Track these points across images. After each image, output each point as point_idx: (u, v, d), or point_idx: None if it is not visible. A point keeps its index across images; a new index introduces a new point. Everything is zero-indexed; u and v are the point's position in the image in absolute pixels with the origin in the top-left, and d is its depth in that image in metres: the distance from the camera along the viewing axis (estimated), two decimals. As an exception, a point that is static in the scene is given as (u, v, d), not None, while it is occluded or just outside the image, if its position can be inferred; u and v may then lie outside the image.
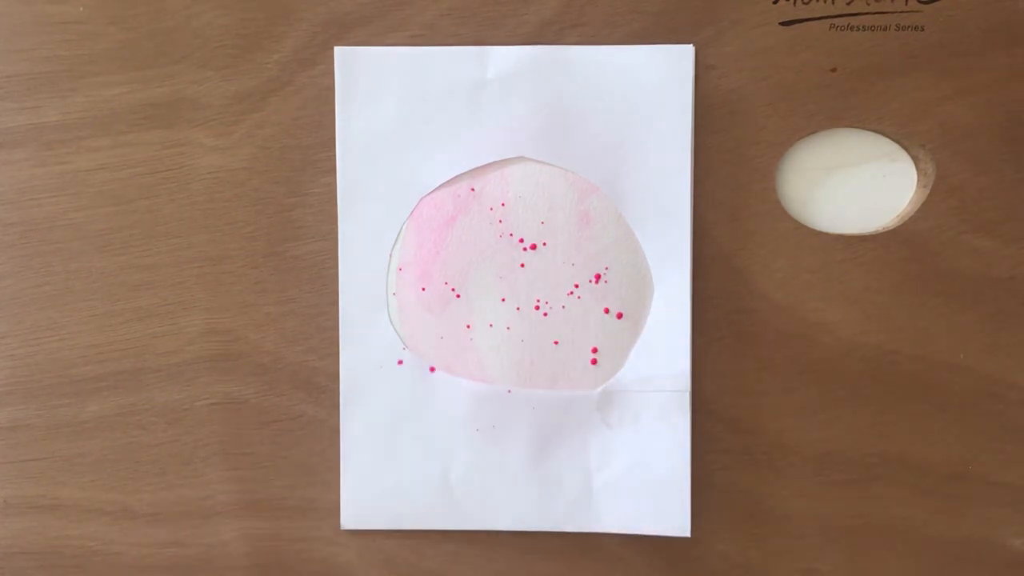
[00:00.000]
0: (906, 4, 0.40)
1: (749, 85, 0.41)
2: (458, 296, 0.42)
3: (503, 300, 0.41)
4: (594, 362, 0.41)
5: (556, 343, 0.41)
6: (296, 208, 0.42)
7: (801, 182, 0.42)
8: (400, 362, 0.42)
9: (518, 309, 0.41)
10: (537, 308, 0.41)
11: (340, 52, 0.41)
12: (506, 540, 0.42)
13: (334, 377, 0.42)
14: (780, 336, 0.41)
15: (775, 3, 0.41)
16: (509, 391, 0.41)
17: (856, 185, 0.42)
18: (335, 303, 0.42)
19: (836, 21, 0.40)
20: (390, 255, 0.42)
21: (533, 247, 0.41)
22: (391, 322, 0.42)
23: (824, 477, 0.42)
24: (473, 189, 0.41)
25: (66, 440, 0.43)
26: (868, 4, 0.40)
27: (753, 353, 0.41)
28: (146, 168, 0.42)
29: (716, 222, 0.41)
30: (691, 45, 0.40)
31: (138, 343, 0.42)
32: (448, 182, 0.41)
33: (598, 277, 0.41)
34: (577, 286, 0.41)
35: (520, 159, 0.41)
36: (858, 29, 0.40)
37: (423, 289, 0.42)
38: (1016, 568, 0.42)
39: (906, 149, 0.42)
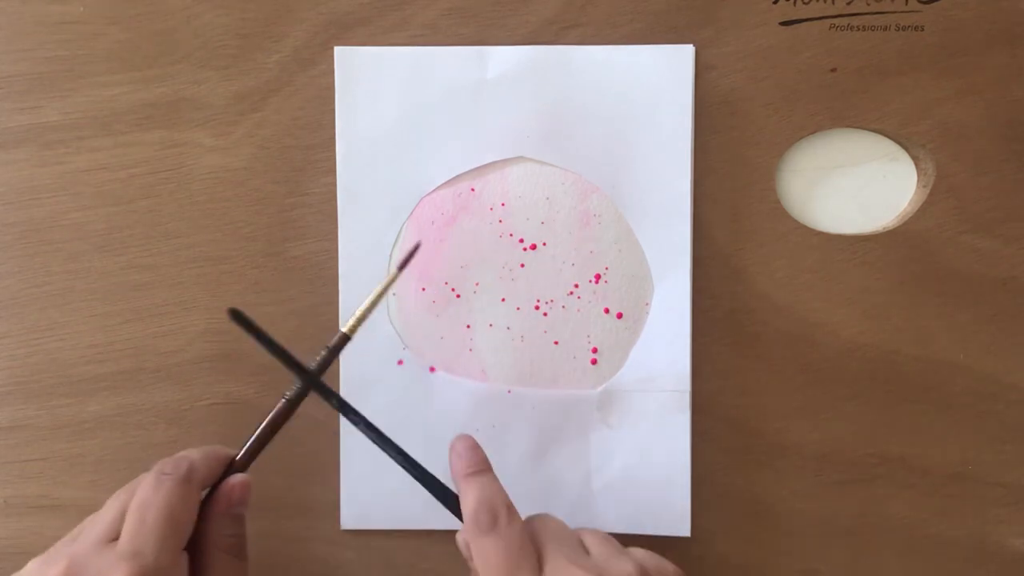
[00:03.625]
0: (906, 4, 0.40)
1: (749, 85, 0.41)
2: (458, 296, 0.42)
3: (503, 300, 0.41)
4: (594, 362, 0.41)
5: (556, 343, 0.41)
6: (296, 208, 0.42)
7: (801, 182, 0.42)
8: (400, 362, 0.42)
9: (518, 309, 0.41)
10: (537, 308, 0.41)
11: (340, 52, 0.41)
12: (506, 540, 0.42)
13: (334, 377, 0.42)
14: (780, 336, 0.41)
15: (775, 3, 0.41)
16: (509, 391, 0.41)
17: (856, 185, 0.42)
18: (335, 303, 0.42)
19: (836, 21, 0.40)
20: (390, 255, 0.42)
21: (533, 247, 0.41)
22: (391, 322, 0.42)
23: (824, 477, 0.42)
24: (473, 189, 0.41)
25: (66, 440, 0.43)
26: (868, 4, 0.40)
27: (753, 353, 0.41)
28: (146, 168, 0.42)
29: (716, 222, 0.41)
30: (691, 45, 0.40)
31: (138, 343, 0.42)
32: (448, 182, 0.41)
33: (598, 277, 0.41)
34: (577, 286, 0.41)
35: (520, 159, 0.41)
36: (858, 29, 0.40)
37: (423, 289, 0.42)
38: (1016, 568, 0.42)
39: (906, 149, 0.42)
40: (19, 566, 0.44)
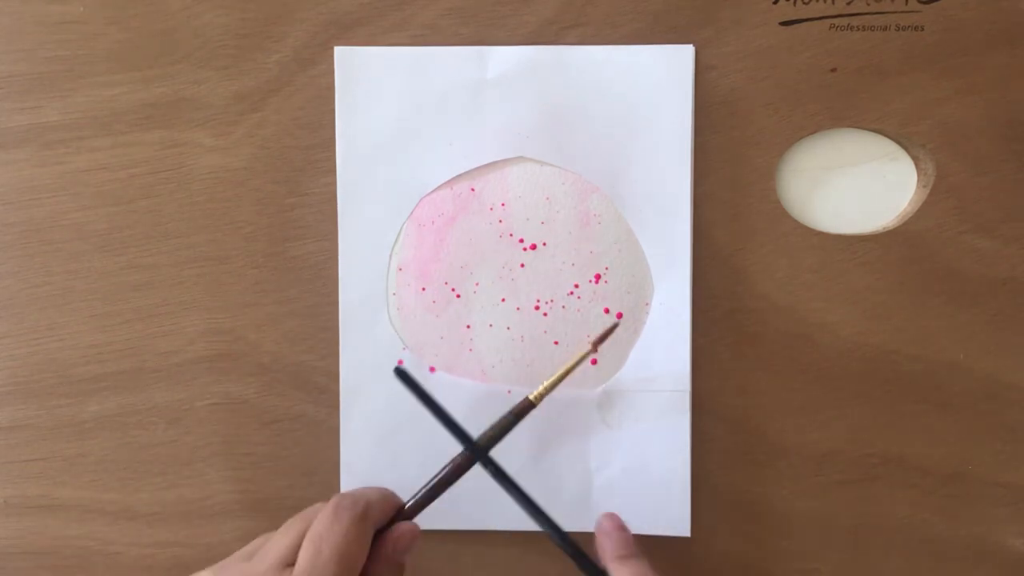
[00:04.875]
0: (906, 4, 0.40)
1: (749, 85, 0.41)
2: (458, 296, 0.42)
3: (503, 300, 0.41)
4: (594, 362, 0.41)
5: (556, 343, 0.41)
6: (296, 208, 0.42)
7: (801, 182, 0.42)
8: (400, 362, 0.42)
9: (518, 309, 0.41)
10: (537, 308, 0.41)
11: (340, 52, 0.41)
12: (506, 540, 0.42)
13: (334, 377, 0.42)
14: (780, 336, 0.41)
15: (775, 3, 0.41)
16: (509, 391, 0.41)
17: (856, 185, 0.42)
18: (335, 303, 0.42)
19: (836, 21, 0.40)
20: (390, 255, 0.42)
21: (533, 247, 0.41)
22: (391, 322, 0.42)
23: (824, 477, 0.42)
24: (473, 189, 0.41)
25: (66, 440, 0.43)
26: (868, 4, 0.40)
27: (753, 353, 0.41)
28: (146, 168, 0.42)
29: (716, 222, 0.41)
30: (691, 45, 0.40)
31: (138, 343, 0.42)
32: (448, 182, 0.41)
33: (598, 277, 0.41)
34: (577, 286, 0.41)
35: (520, 159, 0.41)
36: (858, 29, 0.40)
37: (423, 289, 0.42)
38: (1016, 568, 0.42)
39: (906, 149, 0.42)
40: (19, 566, 0.44)
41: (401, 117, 0.41)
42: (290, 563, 0.32)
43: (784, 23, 0.41)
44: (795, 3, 0.40)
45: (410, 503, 0.36)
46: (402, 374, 0.36)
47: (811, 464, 0.42)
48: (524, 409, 0.36)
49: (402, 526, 0.35)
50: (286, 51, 0.41)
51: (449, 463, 0.36)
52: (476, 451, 0.35)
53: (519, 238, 0.41)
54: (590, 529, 0.41)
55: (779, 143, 0.41)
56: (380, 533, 0.35)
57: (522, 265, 0.41)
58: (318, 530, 0.32)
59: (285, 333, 0.42)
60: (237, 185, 0.42)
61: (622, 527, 0.36)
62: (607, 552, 0.36)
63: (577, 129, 0.41)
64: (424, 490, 0.36)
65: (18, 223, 0.42)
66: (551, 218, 0.41)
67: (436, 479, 0.36)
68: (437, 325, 0.42)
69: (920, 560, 0.42)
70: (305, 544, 0.32)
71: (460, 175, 0.41)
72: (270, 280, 0.42)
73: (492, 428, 0.36)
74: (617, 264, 0.41)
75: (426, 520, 0.42)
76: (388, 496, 0.36)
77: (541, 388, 0.36)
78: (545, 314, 0.41)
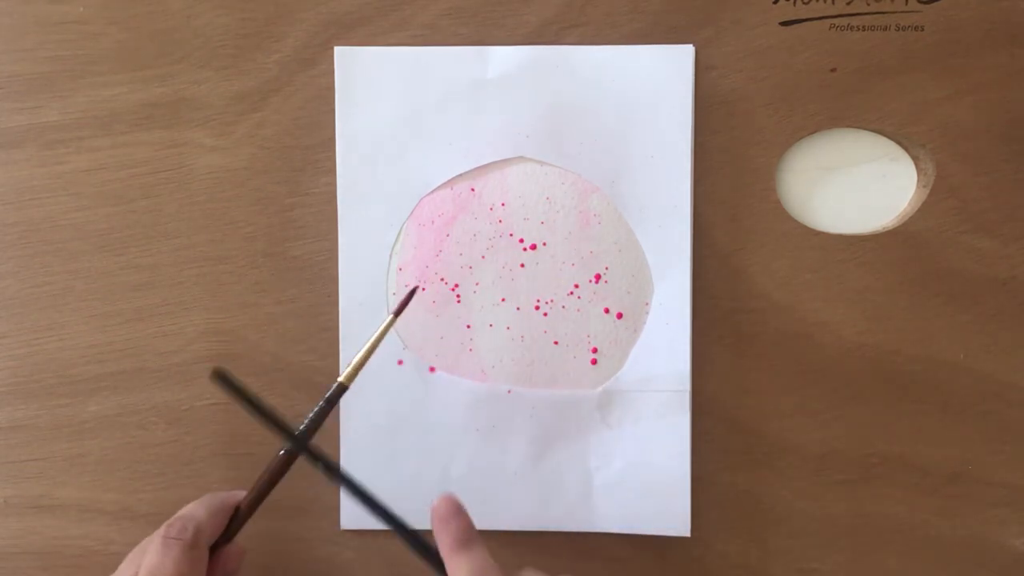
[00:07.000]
0: (906, 4, 0.40)
1: (749, 85, 0.41)
2: (458, 296, 0.42)
3: (503, 300, 0.41)
4: (594, 362, 0.41)
5: (556, 343, 0.41)
6: (296, 208, 0.42)
7: (801, 182, 0.42)
8: (400, 362, 0.42)
9: (518, 309, 0.41)
10: (537, 308, 0.41)
11: (340, 52, 0.41)
12: (506, 540, 0.42)
13: (334, 377, 0.42)
14: (780, 336, 0.41)
15: (775, 3, 0.41)
16: (509, 391, 0.41)
17: (856, 185, 0.42)
18: (335, 303, 0.42)
19: (836, 21, 0.40)
20: (390, 255, 0.42)
21: (533, 247, 0.41)
22: (391, 322, 0.42)
23: (824, 477, 0.42)
24: (473, 189, 0.41)
25: (66, 440, 0.43)
26: (868, 4, 0.40)
27: (753, 353, 0.41)
28: (146, 168, 0.42)
29: (716, 222, 0.41)
30: (691, 45, 0.40)
31: (138, 343, 0.42)
32: (448, 182, 0.41)
33: (598, 277, 0.41)
34: (577, 286, 0.41)
35: (520, 159, 0.41)
36: (858, 29, 0.40)
37: (423, 289, 0.42)
38: (1016, 568, 0.42)
39: (906, 149, 0.42)
40: (19, 566, 0.44)
41: (401, 117, 0.41)
42: None
43: (784, 23, 0.41)
44: (795, 3, 0.40)
45: (242, 508, 0.37)
46: (221, 377, 0.34)
47: (811, 464, 0.42)
48: (337, 394, 0.36)
49: (228, 551, 0.36)
50: (286, 51, 0.41)
51: (272, 461, 0.36)
52: (296, 442, 0.35)
53: (519, 238, 0.41)
54: (590, 529, 0.42)
55: (779, 143, 0.41)
56: (216, 546, 0.36)
57: (522, 265, 0.41)
58: (150, 566, 0.33)
59: (285, 333, 0.42)
60: (237, 185, 0.42)
61: (458, 511, 0.34)
62: (444, 543, 0.34)
63: (577, 129, 0.41)
64: (253, 492, 0.36)
65: (18, 223, 0.42)
66: (551, 218, 0.41)
67: (264, 478, 0.36)
68: (437, 325, 0.42)
69: (920, 560, 0.42)
70: None
71: (460, 175, 0.41)
72: (270, 280, 0.42)
73: (310, 419, 0.36)
74: (617, 264, 0.41)
75: (427, 520, 0.42)
76: (217, 509, 0.36)
77: (349, 369, 0.36)
78: (545, 314, 0.41)
